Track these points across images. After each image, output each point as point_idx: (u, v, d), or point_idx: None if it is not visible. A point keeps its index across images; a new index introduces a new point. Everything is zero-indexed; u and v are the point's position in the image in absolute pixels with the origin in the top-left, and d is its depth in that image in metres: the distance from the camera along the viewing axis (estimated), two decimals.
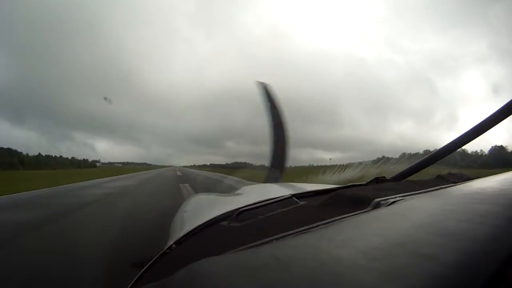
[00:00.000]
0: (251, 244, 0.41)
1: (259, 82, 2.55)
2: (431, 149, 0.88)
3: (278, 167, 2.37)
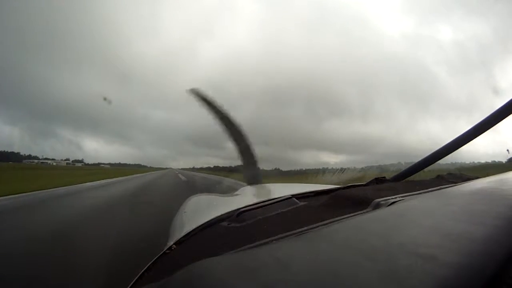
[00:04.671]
0: (251, 245, 0.41)
1: (191, 90, 2.22)
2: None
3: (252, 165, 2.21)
